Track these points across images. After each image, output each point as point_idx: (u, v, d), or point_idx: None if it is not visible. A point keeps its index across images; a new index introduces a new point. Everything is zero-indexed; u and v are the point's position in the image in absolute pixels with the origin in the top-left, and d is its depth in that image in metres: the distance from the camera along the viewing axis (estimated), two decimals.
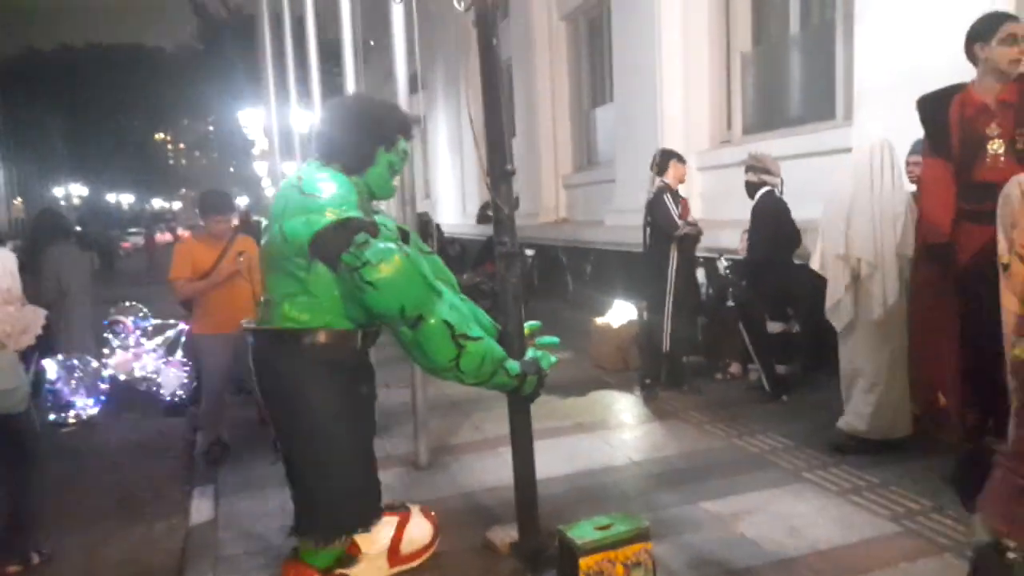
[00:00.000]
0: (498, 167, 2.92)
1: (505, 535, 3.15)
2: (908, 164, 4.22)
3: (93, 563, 3.57)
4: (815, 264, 4.10)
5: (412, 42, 4.21)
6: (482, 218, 11.29)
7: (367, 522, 2.77)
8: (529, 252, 10.03)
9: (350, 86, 4.27)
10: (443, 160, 16.05)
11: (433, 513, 3.12)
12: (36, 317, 3.32)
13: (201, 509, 3.89)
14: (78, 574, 3.47)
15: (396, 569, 2.92)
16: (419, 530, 2.98)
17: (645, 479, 3.88)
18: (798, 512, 3.34)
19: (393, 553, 2.90)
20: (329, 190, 2.49)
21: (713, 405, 5.06)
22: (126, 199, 61.86)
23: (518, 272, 2.97)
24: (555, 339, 3.00)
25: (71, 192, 49.71)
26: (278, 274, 2.55)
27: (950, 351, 3.55)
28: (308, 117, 6.28)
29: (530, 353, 2.85)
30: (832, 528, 3.18)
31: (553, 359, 2.88)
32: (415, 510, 3.05)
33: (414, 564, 2.96)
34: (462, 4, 2.93)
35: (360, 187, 2.61)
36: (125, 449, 5.29)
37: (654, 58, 7.50)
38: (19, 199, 45.35)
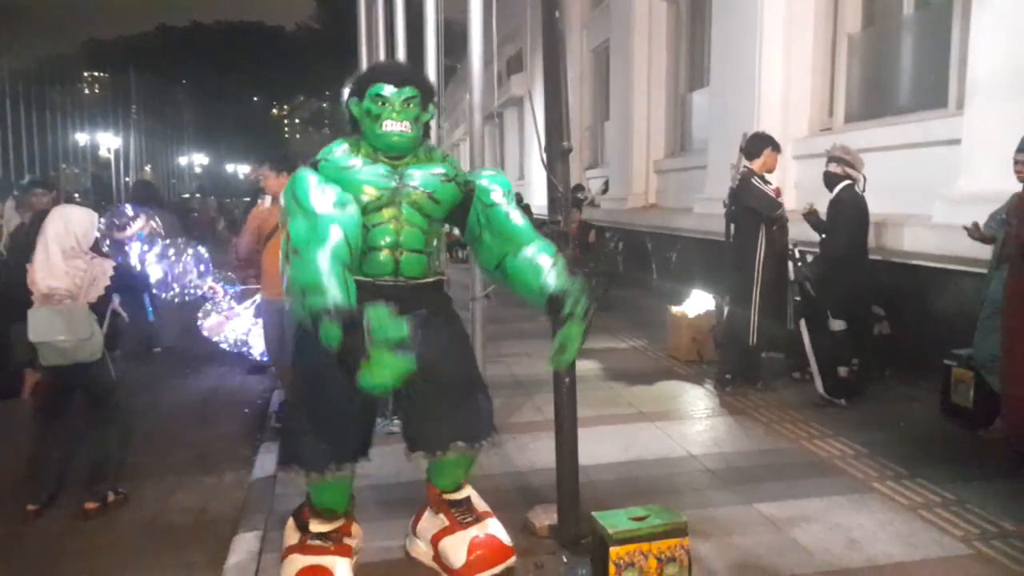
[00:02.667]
0: (555, 145, 2.87)
1: (546, 517, 3.13)
2: (1016, 163, 3.83)
3: (163, 506, 3.81)
4: None
5: (491, 19, 4.19)
6: (573, 201, 11.19)
7: (301, 464, 2.61)
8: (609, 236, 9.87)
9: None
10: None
11: (495, 547, 2.77)
12: (104, 269, 3.53)
13: (264, 465, 4.06)
14: (148, 515, 3.71)
15: (438, 566, 2.88)
16: (452, 551, 2.78)
17: (700, 474, 3.76)
18: (859, 523, 3.15)
19: (435, 546, 2.88)
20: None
21: (787, 404, 4.83)
22: (242, 169, 65.24)
23: (568, 253, 2.91)
24: (402, 330, 2.06)
25: (193, 161, 52.95)
26: None
27: None
28: None
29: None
30: (894, 544, 2.97)
31: (405, 363, 2.06)
32: (470, 531, 2.78)
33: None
34: None
35: (356, 144, 2.64)
36: (209, 404, 5.61)
37: (754, 38, 7.15)
38: (148, 166, 48.64)
